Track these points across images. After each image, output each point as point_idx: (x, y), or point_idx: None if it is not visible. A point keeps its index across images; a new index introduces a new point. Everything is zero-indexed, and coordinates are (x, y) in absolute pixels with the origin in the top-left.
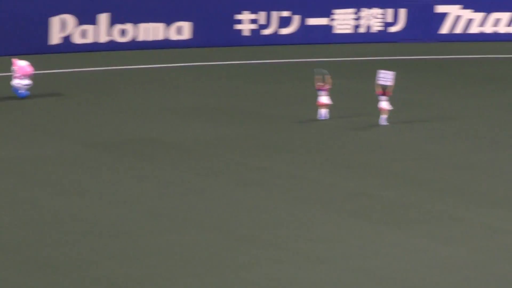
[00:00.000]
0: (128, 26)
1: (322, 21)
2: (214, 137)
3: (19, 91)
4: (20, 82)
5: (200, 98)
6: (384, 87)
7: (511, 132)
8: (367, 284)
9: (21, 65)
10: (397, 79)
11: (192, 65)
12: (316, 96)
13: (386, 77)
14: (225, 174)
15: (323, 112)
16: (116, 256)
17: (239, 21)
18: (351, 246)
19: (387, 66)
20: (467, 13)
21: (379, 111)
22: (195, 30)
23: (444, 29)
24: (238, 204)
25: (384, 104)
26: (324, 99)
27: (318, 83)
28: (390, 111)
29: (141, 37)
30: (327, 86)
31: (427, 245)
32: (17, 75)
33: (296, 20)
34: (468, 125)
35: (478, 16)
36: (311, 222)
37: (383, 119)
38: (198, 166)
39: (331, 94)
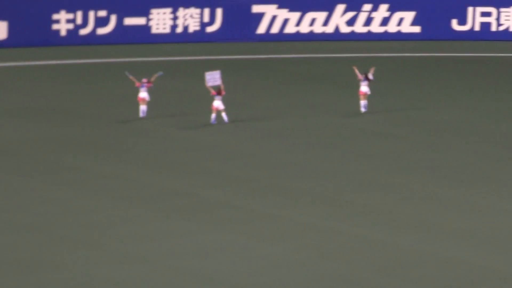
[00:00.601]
0: None
1: (139, 20)
2: (31, 137)
3: None
4: None
5: (17, 99)
6: (216, 87)
7: (328, 131)
8: (185, 284)
9: None
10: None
11: (8, 65)
12: (136, 95)
13: (213, 78)
14: (42, 174)
15: (143, 108)
16: None
17: (56, 21)
18: (171, 246)
19: (207, 66)
20: (283, 13)
21: (213, 110)
22: (11, 30)
23: (261, 29)
24: (56, 204)
25: (217, 104)
26: (143, 95)
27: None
28: (221, 110)
29: None
30: (149, 83)
31: (247, 244)
32: None
33: (113, 19)
34: (287, 125)
35: (294, 16)
36: (130, 222)
37: (214, 118)
38: (15, 166)
39: (153, 92)
